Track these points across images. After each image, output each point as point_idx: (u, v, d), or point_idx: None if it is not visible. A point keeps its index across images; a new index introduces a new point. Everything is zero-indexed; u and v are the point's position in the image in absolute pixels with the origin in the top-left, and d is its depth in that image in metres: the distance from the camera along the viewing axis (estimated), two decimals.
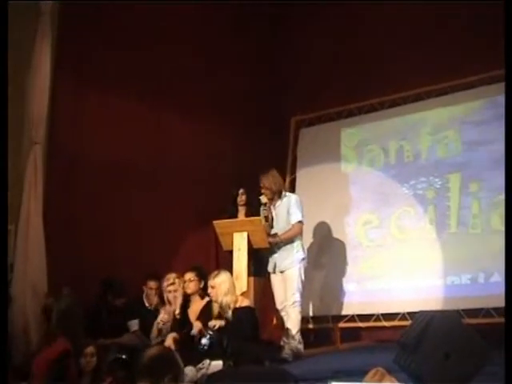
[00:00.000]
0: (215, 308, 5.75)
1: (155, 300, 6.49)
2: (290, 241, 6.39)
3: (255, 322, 5.75)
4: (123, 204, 7.12)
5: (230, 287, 5.73)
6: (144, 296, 6.55)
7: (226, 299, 5.69)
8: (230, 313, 5.69)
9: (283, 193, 6.57)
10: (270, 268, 6.48)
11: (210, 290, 5.74)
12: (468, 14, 7.21)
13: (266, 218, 6.43)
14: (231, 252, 6.30)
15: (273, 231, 6.45)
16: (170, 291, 6.21)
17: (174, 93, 7.66)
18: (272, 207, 6.53)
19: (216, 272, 5.84)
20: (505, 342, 3.65)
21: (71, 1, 6.58)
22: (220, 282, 5.69)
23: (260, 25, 8.85)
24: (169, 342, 5.71)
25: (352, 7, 8.14)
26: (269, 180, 6.49)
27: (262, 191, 6.47)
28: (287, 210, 6.46)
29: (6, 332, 4.23)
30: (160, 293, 6.43)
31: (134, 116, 7.35)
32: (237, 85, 8.37)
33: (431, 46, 7.45)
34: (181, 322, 6.02)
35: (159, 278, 6.44)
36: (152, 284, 6.50)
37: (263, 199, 6.47)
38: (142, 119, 7.43)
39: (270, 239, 6.31)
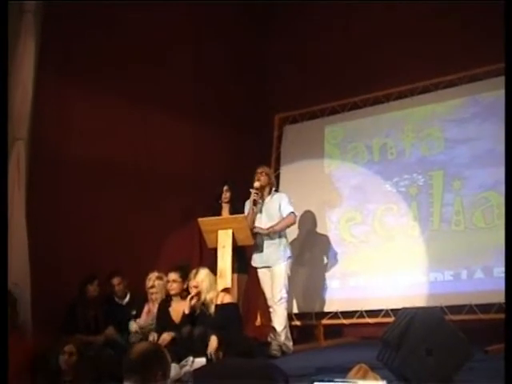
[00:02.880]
0: (198, 307, 5.77)
1: (127, 295, 6.55)
2: (276, 237, 6.41)
3: (239, 317, 5.78)
4: (107, 201, 7.10)
5: (212, 283, 5.76)
6: (114, 293, 6.61)
7: (209, 295, 5.71)
8: (212, 308, 5.71)
9: (273, 189, 6.65)
10: (256, 263, 6.52)
11: (192, 291, 5.73)
12: (450, 14, 7.26)
13: (255, 202, 6.43)
14: (215, 249, 6.28)
15: (261, 225, 6.44)
16: (152, 293, 6.26)
17: (158, 91, 7.63)
18: (261, 201, 6.52)
19: (195, 271, 5.85)
20: (505, 341, 3.64)
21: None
22: (201, 280, 5.72)
23: (245, 23, 8.86)
24: (164, 339, 5.66)
25: (337, 6, 8.15)
26: (269, 170, 6.71)
27: (258, 177, 6.50)
28: (278, 206, 6.50)
29: (6, 332, 4.19)
30: (129, 287, 6.55)
31: (118, 114, 7.35)
32: (221, 83, 8.40)
33: (414, 44, 7.49)
34: (161, 322, 6.01)
35: (122, 274, 6.52)
36: (115, 281, 6.54)
37: (256, 184, 6.48)
38: (126, 117, 7.42)
39: (263, 231, 6.32)
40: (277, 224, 6.41)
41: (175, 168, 7.83)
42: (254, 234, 6.38)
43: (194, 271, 5.85)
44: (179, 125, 7.90)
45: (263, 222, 6.54)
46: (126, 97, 7.35)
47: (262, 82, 8.96)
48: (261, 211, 6.57)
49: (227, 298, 5.82)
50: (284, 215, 6.48)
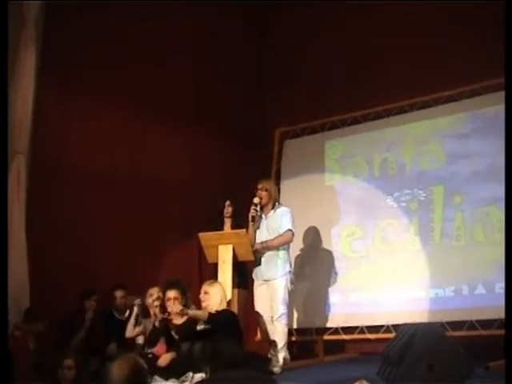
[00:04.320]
0: (201, 313, 5.67)
1: (126, 310, 6.46)
2: (275, 252, 6.37)
3: (237, 323, 5.70)
4: (106, 214, 7.05)
5: (223, 299, 5.73)
6: (114, 307, 6.55)
7: (218, 308, 5.68)
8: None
9: (277, 204, 6.57)
10: (256, 277, 6.48)
11: (202, 296, 5.70)
12: (450, 30, 7.26)
13: (253, 218, 6.40)
14: (215, 264, 6.25)
15: (262, 240, 6.43)
16: (156, 306, 6.10)
17: (158, 103, 7.61)
18: (263, 216, 6.52)
19: (212, 281, 5.85)
20: (505, 357, 3.66)
21: (57, 10, 6.52)
22: (215, 292, 5.70)
23: (245, 36, 8.85)
24: (164, 359, 5.61)
25: (338, 20, 8.19)
26: (270, 184, 6.59)
27: (259, 193, 6.44)
28: (280, 222, 6.45)
29: (6, 332, 4.25)
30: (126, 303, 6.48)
31: (118, 125, 7.30)
32: (222, 96, 8.37)
33: (414, 59, 7.48)
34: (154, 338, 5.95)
35: (126, 288, 6.50)
36: (118, 293, 6.51)
37: (256, 200, 6.42)
38: (125, 129, 7.38)
39: (258, 246, 6.33)
40: (272, 240, 6.38)
41: (175, 181, 7.76)
42: (255, 249, 6.39)
43: (211, 280, 5.85)
44: (180, 138, 7.88)
45: (264, 236, 6.51)
46: (127, 108, 7.31)
47: (263, 96, 8.95)
48: (262, 226, 6.53)
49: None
50: (281, 231, 6.43)
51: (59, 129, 6.79)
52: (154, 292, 6.20)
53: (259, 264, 6.47)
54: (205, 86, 8.20)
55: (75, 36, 6.85)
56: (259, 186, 6.51)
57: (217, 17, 8.25)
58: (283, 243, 6.44)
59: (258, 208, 6.44)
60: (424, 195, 7.18)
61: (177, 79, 7.91)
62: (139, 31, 7.50)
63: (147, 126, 7.56)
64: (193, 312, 5.74)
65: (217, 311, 5.66)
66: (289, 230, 6.42)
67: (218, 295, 5.71)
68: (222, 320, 5.53)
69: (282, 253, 6.44)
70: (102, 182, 7.06)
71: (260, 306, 6.45)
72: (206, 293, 5.72)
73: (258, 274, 6.50)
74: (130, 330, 6.15)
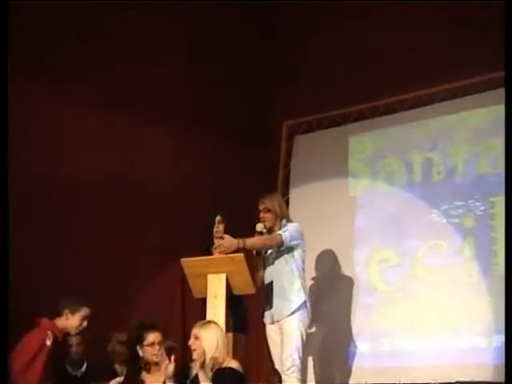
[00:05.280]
0: (196, 368, 5.51)
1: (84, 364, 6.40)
2: (289, 279, 6.16)
3: None
4: (74, 234, 7.02)
5: (220, 344, 5.46)
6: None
7: (215, 357, 5.40)
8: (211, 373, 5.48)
9: (284, 222, 6.35)
10: (265, 318, 6.29)
11: (192, 342, 5.45)
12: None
13: (259, 252, 6.22)
14: (204, 300, 5.98)
15: (266, 275, 6.25)
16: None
17: (149, 102, 7.68)
18: None
19: (206, 321, 5.62)
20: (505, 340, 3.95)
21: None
22: (208, 335, 5.43)
23: (246, 20, 8.91)
24: None
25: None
26: (273, 202, 6.37)
27: (262, 216, 6.28)
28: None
29: (6, 331, 4.39)
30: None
31: (100, 133, 7.36)
32: (215, 92, 8.38)
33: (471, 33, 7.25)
34: None
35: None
36: (74, 340, 6.27)
37: (259, 227, 6.21)
38: (108, 135, 7.42)
39: (227, 243, 5.97)
40: (252, 239, 6.09)
41: (154, 193, 7.69)
42: (256, 281, 6.15)
43: (204, 321, 5.63)
44: (165, 139, 7.89)
45: (269, 267, 6.31)
46: (110, 112, 7.38)
47: (265, 81, 8.84)
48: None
49: (233, 364, 5.51)
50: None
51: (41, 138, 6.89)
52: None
53: (267, 300, 6.22)
54: (195, 81, 8.27)
55: (48, 33, 6.93)
56: (260, 207, 6.32)
57: (214, 9, 8.35)
58: (264, 244, 6.16)
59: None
60: (482, 208, 7.02)
61: (167, 77, 7.99)
62: (130, 20, 7.62)
63: (125, 127, 7.58)
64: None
65: (219, 369, 5.39)
66: (278, 233, 6.16)
67: (212, 339, 5.41)
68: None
69: (296, 280, 6.16)
70: (77, 192, 7.05)
71: (272, 353, 6.29)
72: (196, 338, 5.44)
73: (266, 313, 6.28)
74: None
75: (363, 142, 7.88)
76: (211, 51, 8.45)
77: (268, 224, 6.25)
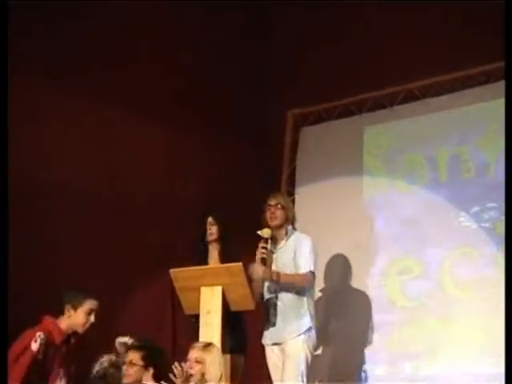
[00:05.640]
0: None
1: None
2: (296, 296, 6.01)
3: None
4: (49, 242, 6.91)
5: (222, 368, 5.44)
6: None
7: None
8: None
9: (290, 228, 6.21)
10: (265, 339, 6.14)
11: (191, 366, 5.36)
12: None
13: (264, 260, 5.93)
14: (196, 316, 5.86)
15: (267, 290, 6.09)
16: None
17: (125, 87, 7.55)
18: (271, 248, 6.17)
19: (206, 343, 5.51)
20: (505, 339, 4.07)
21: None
22: (213, 360, 5.40)
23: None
24: None
25: None
26: (286, 200, 6.33)
27: (272, 212, 6.11)
28: (293, 255, 6.10)
29: (6, 331, 4.45)
30: None
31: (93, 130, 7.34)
32: (208, 82, 8.25)
33: None
34: None
35: None
36: None
37: (266, 233, 6.02)
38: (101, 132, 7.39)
39: (262, 273, 5.90)
40: (286, 274, 5.95)
41: (143, 192, 7.58)
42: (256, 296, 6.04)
43: (205, 343, 5.54)
44: (149, 130, 7.72)
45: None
46: (95, 102, 7.32)
47: (265, 65, 8.69)
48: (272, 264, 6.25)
49: None
50: (301, 270, 6.05)
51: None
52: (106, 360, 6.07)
53: (268, 319, 6.04)
54: (183, 62, 8.15)
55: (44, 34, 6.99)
56: (271, 202, 6.13)
57: None
58: (300, 285, 6.00)
59: (269, 245, 6.05)
60: None
61: (159, 68, 7.92)
62: (132, 22, 7.61)
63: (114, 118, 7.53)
64: None
65: None
66: (310, 271, 6.04)
67: (217, 365, 5.40)
68: None
69: (304, 296, 6.02)
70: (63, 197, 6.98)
71: (272, 378, 6.16)
72: (198, 362, 5.34)
73: (267, 334, 6.12)
74: None
75: (380, 134, 7.74)
76: (208, 35, 8.35)
77: (277, 221, 6.07)
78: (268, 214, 6.10)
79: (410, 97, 7.60)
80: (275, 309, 6.05)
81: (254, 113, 8.49)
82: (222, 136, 8.19)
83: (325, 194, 7.80)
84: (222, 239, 6.35)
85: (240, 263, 5.77)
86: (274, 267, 6.07)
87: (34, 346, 5.14)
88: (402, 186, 7.50)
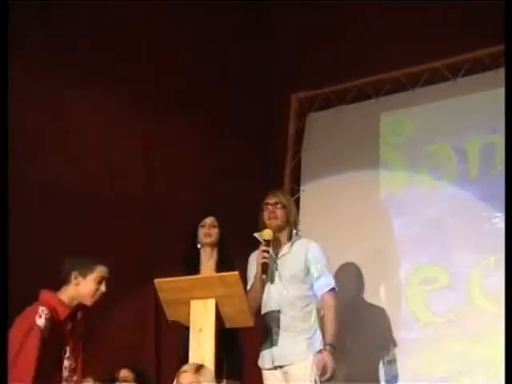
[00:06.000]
0: None
1: None
2: (301, 313, 5.89)
3: None
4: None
5: None
6: None
7: None
8: None
9: (294, 233, 6.09)
10: (264, 361, 5.98)
11: None
12: None
13: (265, 266, 5.77)
14: (186, 333, 5.64)
15: (268, 300, 5.95)
16: None
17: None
18: (272, 254, 5.97)
19: (199, 365, 5.29)
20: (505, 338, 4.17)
21: None
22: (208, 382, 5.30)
23: None
24: None
25: None
26: (288, 200, 6.23)
27: (272, 211, 6.00)
28: (303, 266, 5.96)
29: (6, 332, 4.51)
30: None
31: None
32: (199, 42, 8.23)
33: None
34: None
35: None
36: None
37: (267, 235, 5.86)
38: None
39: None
40: (333, 335, 5.86)
41: (123, 191, 7.52)
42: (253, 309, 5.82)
43: (197, 364, 5.34)
44: (133, 119, 7.72)
45: (277, 291, 5.95)
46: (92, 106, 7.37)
47: (265, 42, 8.52)
48: (272, 274, 6.07)
49: None
50: (319, 291, 5.94)
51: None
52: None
53: (269, 338, 5.87)
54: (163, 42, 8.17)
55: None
56: (271, 200, 6.00)
57: None
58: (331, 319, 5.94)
59: (271, 248, 5.91)
60: None
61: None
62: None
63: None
64: None
65: None
66: (331, 289, 5.96)
67: None
68: None
69: (313, 311, 5.90)
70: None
71: None
72: None
73: (267, 355, 5.89)
74: None
75: (400, 120, 7.44)
76: (208, 34, 8.36)
77: (278, 222, 5.93)
78: (266, 214, 5.95)
79: (436, 76, 7.25)
80: (278, 325, 5.85)
81: (253, 96, 8.37)
82: (214, 125, 8.03)
83: (335, 192, 7.54)
84: (219, 244, 6.24)
85: (236, 272, 5.50)
86: (277, 281, 5.91)
87: (41, 322, 4.91)
88: (426, 181, 7.19)
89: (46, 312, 4.95)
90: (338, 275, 6.78)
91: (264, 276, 5.78)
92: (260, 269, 5.76)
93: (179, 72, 8.15)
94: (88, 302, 5.15)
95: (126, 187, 7.61)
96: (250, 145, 8.13)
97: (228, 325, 5.51)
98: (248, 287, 5.82)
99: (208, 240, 6.13)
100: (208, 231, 6.15)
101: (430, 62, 7.18)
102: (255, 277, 5.83)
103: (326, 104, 7.83)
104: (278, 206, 5.97)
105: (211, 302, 5.42)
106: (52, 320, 4.98)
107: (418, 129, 7.34)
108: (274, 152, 8.02)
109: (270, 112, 8.10)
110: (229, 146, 8.06)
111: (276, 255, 5.91)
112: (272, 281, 5.91)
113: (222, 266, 6.00)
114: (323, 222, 7.25)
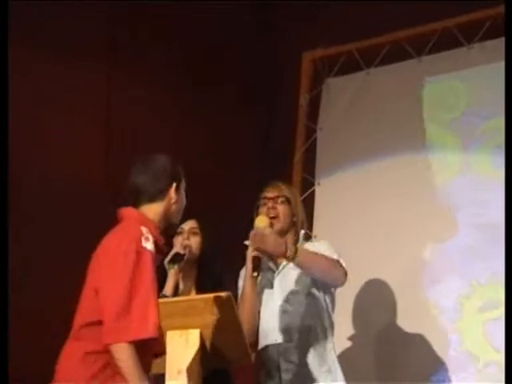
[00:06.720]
0: None
1: None
2: (315, 342, 5.59)
3: None
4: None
5: None
6: None
7: None
8: None
9: (301, 234, 5.72)
10: None
11: None
12: None
13: (256, 261, 5.38)
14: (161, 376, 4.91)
15: (267, 313, 5.69)
16: None
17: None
18: (271, 264, 5.72)
19: None
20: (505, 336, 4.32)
21: None
22: None
23: None
24: None
25: None
26: (294, 194, 5.88)
27: (271, 206, 5.68)
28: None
29: (6, 331, 4.61)
30: None
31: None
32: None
33: None
34: None
35: None
36: None
37: (262, 221, 5.57)
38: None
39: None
40: (310, 252, 5.48)
41: (84, 184, 7.03)
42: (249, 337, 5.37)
43: None
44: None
45: (275, 306, 5.61)
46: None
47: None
48: (271, 284, 5.72)
49: None
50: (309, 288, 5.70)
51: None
52: None
53: (273, 374, 5.52)
54: None
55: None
56: (270, 194, 5.69)
57: None
58: (321, 264, 5.56)
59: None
60: None
61: None
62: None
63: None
64: None
65: None
66: (337, 260, 5.59)
67: None
68: None
69: (329, 333, 5.63)
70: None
71: None
72: None
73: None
74: None
75: (453, 88, 6.69)
76: None
77: (281, 223, 5.54)
78: (264, 210, 5.53)
79: (496, 30, 6.31)
80: (288, 359, 5.37)
81: (255, 58, 7.92)
82: (212, 105, 7.69)
83: (361, 185, 6.87)
84: (203, 256, 5.81)
85: (228, 292, 4.77)
86: (277, 292, 5.61)
87: (150, 246, 4.49)
88: (486, 169, 6.49)
89: (149, 235, 4.55)
90: (362, 297, 6.57)
91: (255, 274, 5.31)
92: (250, 266, 5.31)
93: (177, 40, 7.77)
94: (175, 219, 4.95)
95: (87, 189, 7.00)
96: (248, 122, 7.71)
97: (217, 364, 4.93)
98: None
99: (185, 253, 5.71)
100: (185, 238, 5.72)
101: (492, 7, 6.34)
102: (244, 280, 5.41)
103: (349, 66, 7.13)
104: (279, 201, 5.60)
105: (194, 334, 4.77)
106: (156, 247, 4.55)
107: (476, 99, 6.67)
108: (280, 131, 7.45)
109: (276, 77, 7.63)
110: (218, 122, 7.65)
111: (275, 265, 5.56)
112: (270, 286, 5.66)
113: (205, 284, 5.60)
114: (344, 226, 6.70)
